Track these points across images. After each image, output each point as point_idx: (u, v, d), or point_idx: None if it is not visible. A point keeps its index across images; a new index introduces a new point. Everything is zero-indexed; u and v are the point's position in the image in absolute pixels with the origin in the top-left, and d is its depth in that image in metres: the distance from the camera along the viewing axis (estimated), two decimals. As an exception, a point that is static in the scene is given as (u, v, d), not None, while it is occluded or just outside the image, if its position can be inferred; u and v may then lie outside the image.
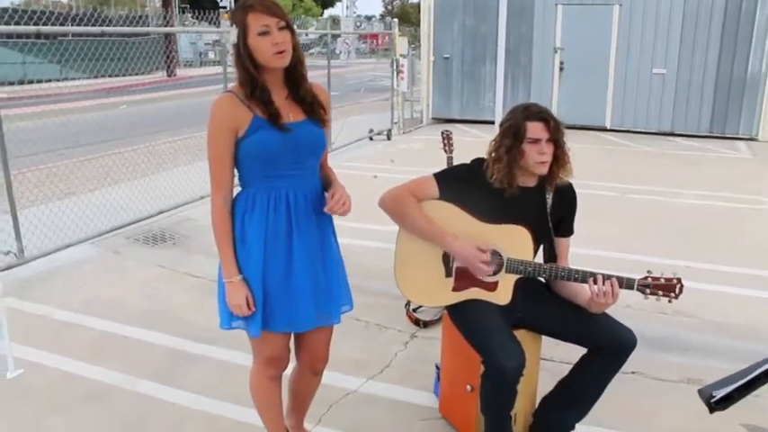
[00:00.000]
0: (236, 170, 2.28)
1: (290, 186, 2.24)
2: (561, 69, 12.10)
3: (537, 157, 2.54)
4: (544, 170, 2.58)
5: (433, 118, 13.32)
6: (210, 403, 3.20)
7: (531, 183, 2.65)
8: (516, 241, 2.56)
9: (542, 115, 2.56)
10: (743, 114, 11.11)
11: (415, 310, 4.09)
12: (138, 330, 3.98)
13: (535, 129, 2.54)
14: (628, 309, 3.79)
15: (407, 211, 2.64)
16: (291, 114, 2.23)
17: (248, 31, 2.11)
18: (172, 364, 3.59)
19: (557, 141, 2.57)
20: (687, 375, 3.49)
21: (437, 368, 3.17)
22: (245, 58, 2.14)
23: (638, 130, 11.70)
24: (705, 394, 1.46)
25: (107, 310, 4.27)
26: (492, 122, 11.40)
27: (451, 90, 13.06)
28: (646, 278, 2.47)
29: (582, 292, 2.62)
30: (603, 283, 2.47)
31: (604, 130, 11.90)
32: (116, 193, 6.58)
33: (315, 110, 2.27)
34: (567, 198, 2.73)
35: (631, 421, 3.07)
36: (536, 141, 2.54)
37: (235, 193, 2.31)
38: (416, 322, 4.03)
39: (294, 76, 2.23)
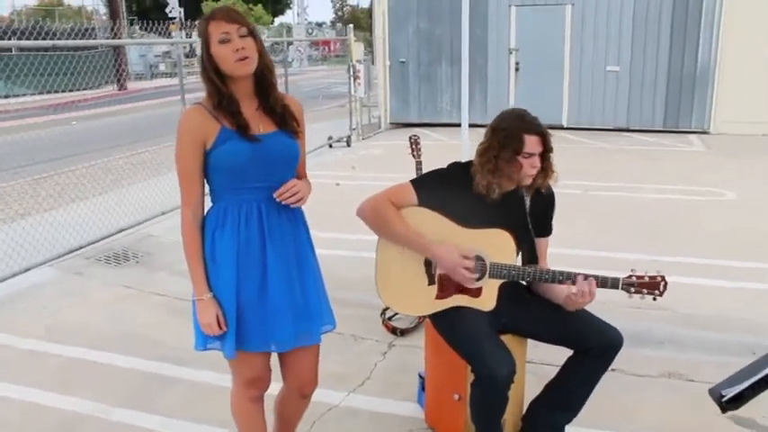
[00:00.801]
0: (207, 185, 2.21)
1: (262, 199, 2.18)
2: (517, 70, 12.22)
3: (529, 170, 2.53)
4: (530, 181, 2.57)
5: (391, 123, 13.31)
6: (189, 427, 3.10)
7: (510, 187, 2.62)
8: (499, 245, 2.53)
9: (539, 129, 2.53)
10: (695, 109, 11.38)
11: (390, 319, 4.03)
12: (106, 354, 3.83)
13: (532, 143, 2.52)
14: (603, 305, 3.80)
15: (387, 220, 2.59)
16: (261, 126, 2.17)
17: (210, 40, 2.08)
18: (145, 389, 3.46)
19: (545, 154, 2.56)
20: (667, 369, 3.52)
21: (420, 378, 3.12)
22: (210, 68, 2.09)
23: (595, 126, 11.88)
24: (715, 393, 1.43)
25: (73, 334, 4.11)
26: (451, 125, 11.49)
27: (409, 94, 13.07)
28: (630, 277, 2.46)
29: (561, 292, 2.60)
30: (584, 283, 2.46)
31: (561, 128, 12.03)
32: (74, 212, 6.37)
33: (286, 121, 2.22)
34: (545, 198, 2.72)
35: (616, 419, 3.07)
36: (531, 155, 2.52)
37: (206, 209, 2.23)
38: (393, 331, 3.97)
39: (264, 84, 2.17)
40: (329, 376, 3.39)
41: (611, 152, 10.05)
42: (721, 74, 11.08)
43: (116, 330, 4.18)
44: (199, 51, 2.13)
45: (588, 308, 2.59)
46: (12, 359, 3.84)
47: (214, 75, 2.09)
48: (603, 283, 2.47)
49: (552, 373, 2.79)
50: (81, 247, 5.67)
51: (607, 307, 3.81)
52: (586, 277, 2.47)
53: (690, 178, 7.99)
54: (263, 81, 2.17)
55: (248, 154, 2.11)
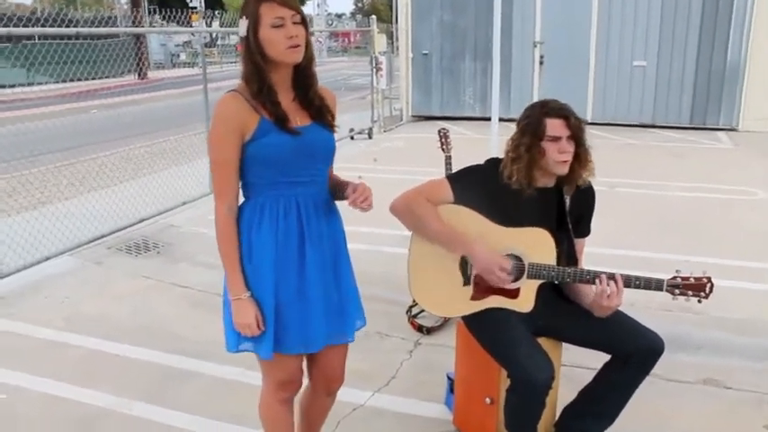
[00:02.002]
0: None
1: (300, 194, 2.09)
2: (541, 63, 12.02)
3: (557, 156, 2.40)
4: (565, 170, 2.44)
5: (413, 115, 13.18)
6: (211, 424, 3.02)
7: (549, 183, 2.51)
8: (538, 245, 2.42)
9: (562, 112, 2.42)
10: (723, 105, 11.13)
11: (416, 316, 3.94)
12: (127, 347, 3.77)
13: (555, 126, 2.41)
14: (631, 307, 3.68)
15: (422, 216, 2.49)
16: (298, 118, 2.07)
17: (260, 22, 1.96)
18: (166, 383, 3.40)
19: (578, 140, 2.44)
20: (703, 375, 3.40)
21: (449, 379, 3.03)
22: (255, 51, 1.98)
23: (620, 122, 11.65)
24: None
25: (93, 326, 4.05)
26: (473, 119, 11.36)
27: (431, 86, 12.91)
28: (675, 278, 2.35)
29: (588, 296, 2.50)
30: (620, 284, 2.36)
31: (586, 123, 11.78)
32: (94, 201, 6.33)
33: (323, 114, 2.13)
34: (585, 197, 2.61)
35: (652, 425, 2.97)
36: (556, 139, 2.40)
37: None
38: (419, 329, 3.87)
39: (305, 75, 2.08)
40: (354, 374, 3.27)
41: (639, 148, 9.86)
42: (751, 70, 10.81)
43: (138, 323, 4.12)
44: (242, 32, 1.99)
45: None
46: (30, 350, 3.79)
47: (260, 58, 1.99)
48: (647, 284, 2.36)
49: (584, 375, 2.70)
50: (101, 237, 5.63)
51: (635, 308, 3.72)
52: (612, 276, 2.36)
53: (720, 176, 7.80)
54: (305, 72, 2.08)
55: (291, 147, 2.02)
